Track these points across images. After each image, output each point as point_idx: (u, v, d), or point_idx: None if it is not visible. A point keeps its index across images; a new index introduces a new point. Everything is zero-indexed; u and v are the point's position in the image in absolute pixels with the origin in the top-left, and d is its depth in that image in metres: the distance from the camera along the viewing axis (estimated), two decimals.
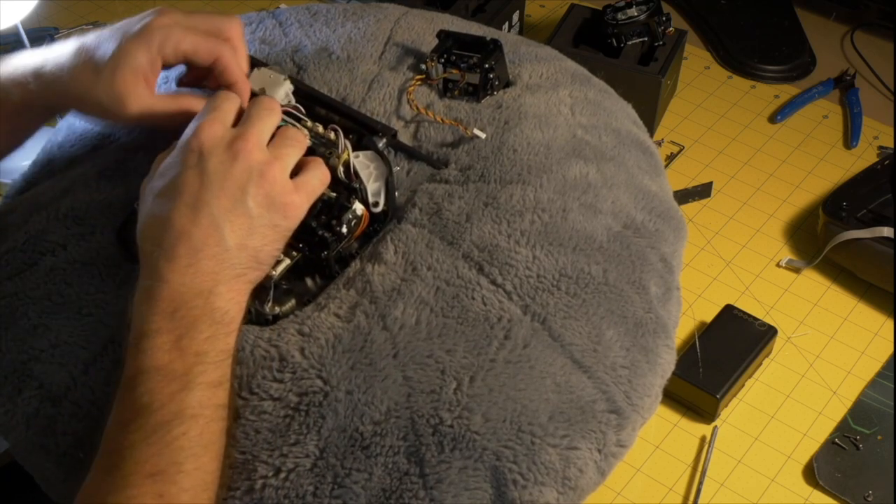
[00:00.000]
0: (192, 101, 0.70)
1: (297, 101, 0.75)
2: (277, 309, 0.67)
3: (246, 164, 0.62)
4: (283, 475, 0.61)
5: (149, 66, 0.68)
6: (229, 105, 0.65)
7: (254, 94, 0.73)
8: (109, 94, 0.67)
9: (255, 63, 0.77)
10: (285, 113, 0.72)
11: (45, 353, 0.67)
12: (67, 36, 1.26)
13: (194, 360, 0.58)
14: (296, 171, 0.66)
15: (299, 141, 0.66)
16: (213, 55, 0.70)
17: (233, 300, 0.61)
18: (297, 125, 0.71)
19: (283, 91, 0.74)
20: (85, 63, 0.68)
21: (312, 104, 0.77)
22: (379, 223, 0.72)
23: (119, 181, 0.75)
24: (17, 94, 0.69)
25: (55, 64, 0.69)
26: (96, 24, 1.34)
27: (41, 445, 0.66)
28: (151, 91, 0.68)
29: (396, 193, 0.74)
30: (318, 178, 0.66)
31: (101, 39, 0.68)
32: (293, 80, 0.76)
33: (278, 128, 0.68)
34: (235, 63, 0.71)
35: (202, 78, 0.72)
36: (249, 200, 0.61)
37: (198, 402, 0.58)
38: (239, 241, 0.61)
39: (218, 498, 0.58)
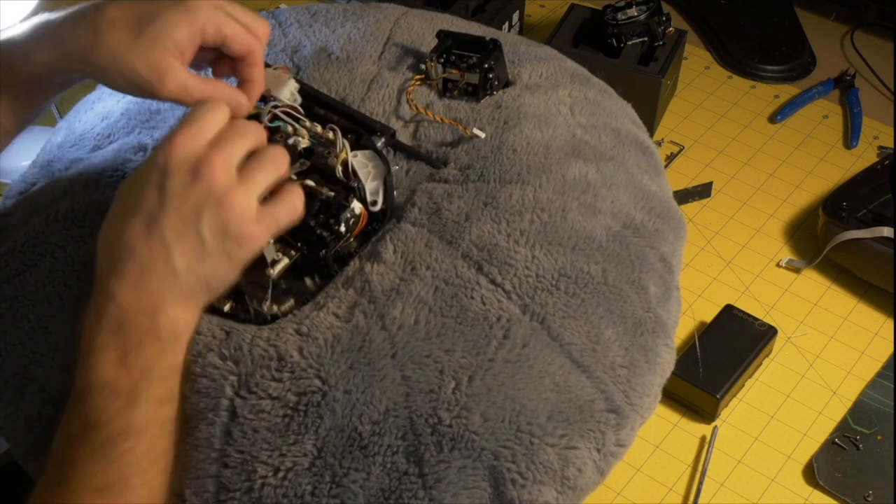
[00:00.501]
0: (225, 89, 0.67)
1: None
2: (276, 308, 0.67)
3: (206, 188, 0.59)
4: (281, 475, 0.61)
5: (188, 42, 0.64)
6: (212, 118, 0.61)
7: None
8: (147, 65, 0.63)
9: None
10: (283, 113, 0.72)
11: (45, 356, 0.67)
12: None
13: (140, 377, 0.58)
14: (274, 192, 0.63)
15: (277, 164, 0.63)
16: (247, 48, 0.67)
17: (179, 319, 0.60)
18: (296, 125, 0.71)
19: (289, 90, 0.74)
20: (119, 26, 0.63)
21: (311, 103, 0.77)
22: (377, 222, 0.73)
23: (119, 182, 0.75)
24: (37, 59, 0.66)
25: (76, 23, 0.65)
26: None
27: (43, 448, 0.66)
28: (186, 68, 0.65)
29: (395, 192, 0.74)
30: (287, 209, 0.63)
31: (139, 4, 0.64)
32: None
33: (278, 134, 0.68)
34: (262, 61, 0.69)
35: (199, 64, 0.70)
36: (203, 226, 0.59)
37: (144, 417, 0.58)
38: (188, 265, 0.59)
39: None
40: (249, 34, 0.67)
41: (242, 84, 0.69)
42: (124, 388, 0.58)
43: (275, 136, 0.71)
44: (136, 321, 0.58)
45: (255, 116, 0.71)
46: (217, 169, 0.59)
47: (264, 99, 0.73)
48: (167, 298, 0.59)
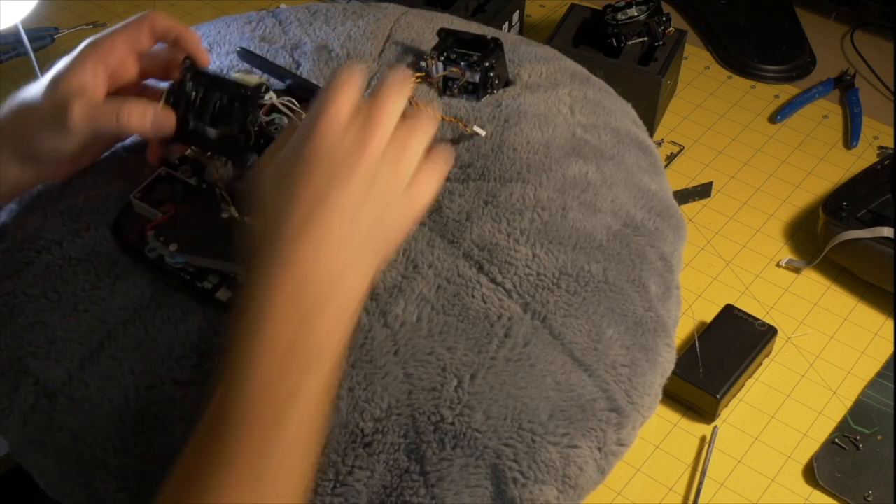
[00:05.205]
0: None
1: (292, 96, 0.74)
2: None
3: (376, 144, 0.59)
4: None
5: (93, 78, 0.68)
6: (348, 98, 0.61)
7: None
8: (56, 105, 0.67)
9: (249, 57, 0.77)
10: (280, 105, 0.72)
11: (41, 349, 0.67)
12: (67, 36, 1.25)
13: (323, 340, 0.56)
14: None
15: (427, 130, 0.63)
16: (143, 22, 0.71)
17: (359, 282, 0.58)
18: (292, 116, 0.71)
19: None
20: (27, 104, 0.69)
21: (310, 99, 0.77)
22: None
23: (115, 178, 0.75)
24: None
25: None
26: (96, 25, 1.34)
27: (38, 442, 0.66)
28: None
29: None
30: (443, 165, 0.63)
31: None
32: (293, 76, 0.76)
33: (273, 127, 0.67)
34: (170, 20, 0.71)
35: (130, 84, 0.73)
36: (383, 178, 0.58)
37: (318, 384, 0.56)
38: (373, 216, 0.58)
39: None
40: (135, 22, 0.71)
41: (176, 42, 0.72)
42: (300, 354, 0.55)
43: (270, 127, 0.71)
44: (318, 283, 0.56)
45: None
46: (385, 120, 0.60)
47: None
48: (348, 254, 0.57)
